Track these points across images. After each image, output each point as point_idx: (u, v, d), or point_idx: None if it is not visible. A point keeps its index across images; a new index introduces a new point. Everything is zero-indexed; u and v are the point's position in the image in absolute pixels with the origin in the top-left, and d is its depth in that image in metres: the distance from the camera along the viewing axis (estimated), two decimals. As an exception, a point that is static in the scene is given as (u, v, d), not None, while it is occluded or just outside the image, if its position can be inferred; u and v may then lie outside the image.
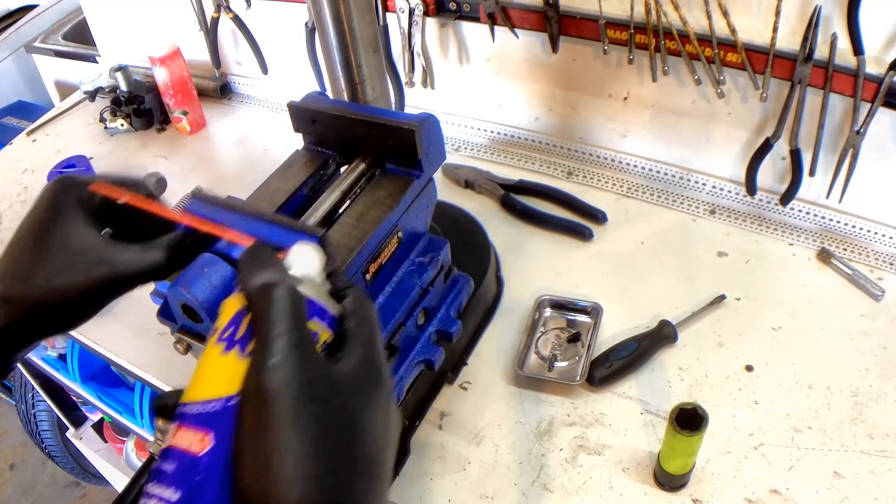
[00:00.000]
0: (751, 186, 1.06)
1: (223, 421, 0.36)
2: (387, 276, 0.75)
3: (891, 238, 1.01)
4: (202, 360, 0.39)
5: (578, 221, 1.11)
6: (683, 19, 0.95)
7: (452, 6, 1.14)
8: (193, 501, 0.35)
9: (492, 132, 1.30)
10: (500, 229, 1.11)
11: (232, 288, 0.58)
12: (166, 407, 0.41)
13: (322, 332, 0.40)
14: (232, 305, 0.40)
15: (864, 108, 0.90)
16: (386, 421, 0.39)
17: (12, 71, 2.24)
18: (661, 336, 0.92)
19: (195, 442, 0.36)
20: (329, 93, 0.86)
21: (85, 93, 1.59)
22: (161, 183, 0.68)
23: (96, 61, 1.73)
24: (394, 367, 0.73)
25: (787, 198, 1.04)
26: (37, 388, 1.72)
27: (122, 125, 1.48)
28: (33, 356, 1.56)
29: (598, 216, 1.11)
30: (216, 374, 0.38)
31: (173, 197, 1.36)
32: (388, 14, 1.19)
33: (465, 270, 0.86)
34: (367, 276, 0.70)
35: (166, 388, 0.99)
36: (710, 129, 1.08)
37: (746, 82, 0.98)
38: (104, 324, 1.08)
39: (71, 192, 0.54)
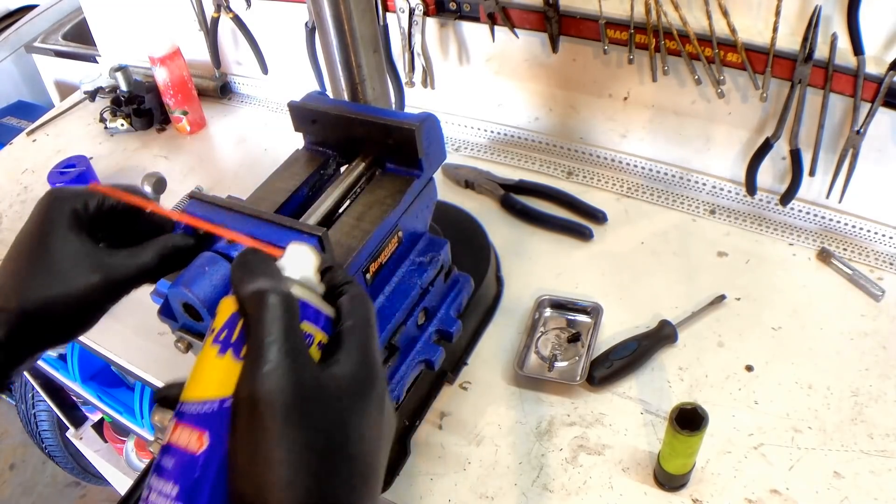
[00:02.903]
0: (751, 186, 1.06)
1: (218, 422, 0.37)
2: (387, 275, 0.75)
3: (891, 238, 1.01)
4: (199, 359, 0.40)
5: (578, 221, 1.11)
6: (683, 19, 0.95)
7: (452, 6, 1.14)
8: (191, 498, 0.35)
9: (492, 132, 1.30)
10: (500, 229, 1.12)
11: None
12: (168, 399, 0.41)
13: (316, 334, 0.40)
14: (228, 306, 0.40)
15: (864, 108, 0.90)
16: (379, 422, 0.40)
17: (12, 71, 2.24)
18: (661, 336, 0.92)
19: (192, 440, 0.37)
20: (329, 93, 0.86)
21: (85, 93, 1.59)
22: (161, 183, 0.69)
23: (96, 61, 1.73)
24: (394, 367, 0.73)
25: (787, 198, 1.04)
26: (37, 388, 1.72)
27: (122, 125, 1.48)
28: (33, 356, 1.56)
29: (598, 216, 1.11)
30: (212, 376, 0.38)
31: (173, 197, 1.37)
32: (388, 14, 1.19)
33: (465, 270, 0.86)
34: (368, 276, 0.70)
35: (166, 388, 0.99)
36: (710, 129, 1.08)
37: (746, 82, 0.98)
38: (104, 324, 1.08)
39: (63, 204, 0.55)
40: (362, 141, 0.76)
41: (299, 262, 0.42)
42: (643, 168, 1.18)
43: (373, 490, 0.39)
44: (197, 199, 0.66)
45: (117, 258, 0.55)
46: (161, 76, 1.38)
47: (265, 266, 0.40)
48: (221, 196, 0.79)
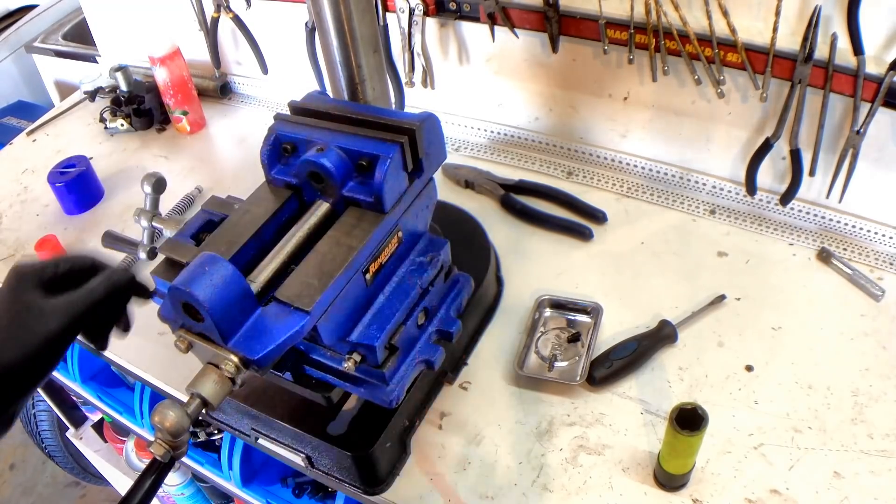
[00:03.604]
0: (751, 186, 1.06)
1: None
2: (387, 275, 0.75)
3: (891, 238, 1.01)
4: None
5: (578, 221, 1.11)
6: (683, 19, 0.95)
7: (452, 6, 1.14)
8: None
9: (492, 132, 1.30)
10: (500, 229, 1.11)
11: (232, 287, 0.58)
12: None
13: None
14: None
15: (864, 108, 0.90)
16: None
17: (12, 71, 2.23)
18: (661, 336, 0.92)
19: None
20: (329, 93, 0.86)
21: (85, 93, 1.59)
22: (161, 183, 0.70)
23: (96, 61, 1.73)
24: (394, 367, 0.73)
25: (787, 198, 1.04)
26: (37, 388, 1.71)
27: (122, 125, 1.48)
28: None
29: (598, 216, 1.11)
30: None
31: (173, 197, 1.36)
32: (388, 14, 1.19)
33: (465, 270, 0.86)
34: (368, 276, 0.70)
35: (166, 388, 0.99)
36: (710, 129, 1.08)
37: (746, 82, 0.98)
38: (104, 324, 1.08)
39: (26, 279, 0.58)
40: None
41: None
42: (643, 168, 1.18)
43: None
44: (282, 120, 0.76)
45: (52, 302, 0.57)
46: (161, 76, 1.38)
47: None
48: (221, 196, 0.79)
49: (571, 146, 1.23)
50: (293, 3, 1.30)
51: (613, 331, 0.95)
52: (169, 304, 0.60)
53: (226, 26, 1.41)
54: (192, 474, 1.52)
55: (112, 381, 1.44)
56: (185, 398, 0.58)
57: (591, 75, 1.12)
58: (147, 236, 0.91)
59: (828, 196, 1.01)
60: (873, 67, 0.87)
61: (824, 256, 1.01)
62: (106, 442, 1.79)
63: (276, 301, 0.63)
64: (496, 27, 1.13)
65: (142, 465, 1.68)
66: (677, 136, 1.12)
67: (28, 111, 2.05)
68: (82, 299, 0.58)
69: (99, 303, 0.59)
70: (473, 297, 0.89)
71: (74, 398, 1.75)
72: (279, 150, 0.75)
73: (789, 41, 0.91)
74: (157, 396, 1.14)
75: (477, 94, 1.26)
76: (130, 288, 0.63)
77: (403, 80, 1.26)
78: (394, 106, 1.09)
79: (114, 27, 1.61)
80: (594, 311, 0.96)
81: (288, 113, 0.79)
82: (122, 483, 1.78)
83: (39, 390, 1.71)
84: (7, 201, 1.35)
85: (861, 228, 1.03)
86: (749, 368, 0.89)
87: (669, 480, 0.78)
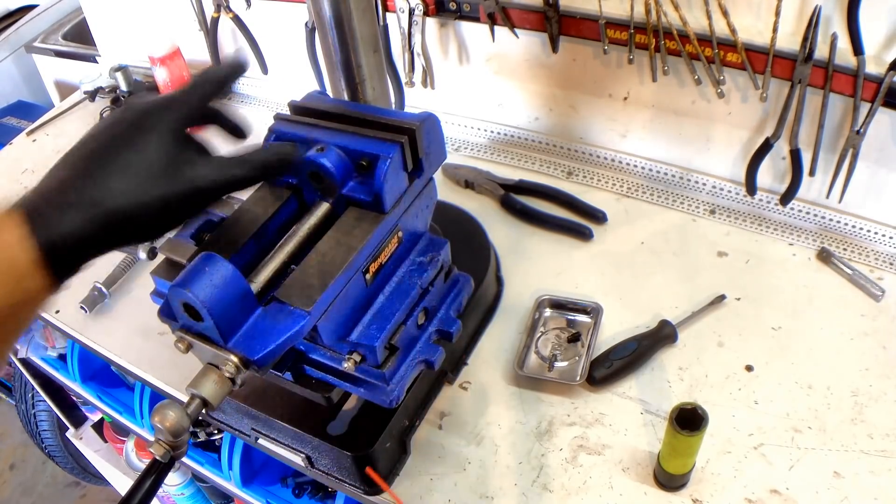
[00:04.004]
0: (751, 186, 1.06)
1: None
2: (387, 275, 0.75)
3: (891, 238, 1.01)
4: None
5: (578, 221, 1.11)
6: (683, 19, 0.95)
7: (452, 6, 1.14)
8: None
9: (492, 132, 1.30)
10: (500, 229, 1.12)
11: (232, 287, 0.58)
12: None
13: None
14: None
15: (864, 108, 0.90)
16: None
17: (12, 71, 2.23)
18: (661, 336, 0.92)
19: None
20: (329, 93, 0.86)
21: (85, 93, 1.59)
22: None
23: (96, 61, 1.73)
24: (394, 367, 0.73)
25: (787, 198, 1.04)
26: (37, 388, 1.71)
27: (122, 125, 1.48)
28: (33, 356, 1.56)
29: (598, 216, 1.11)
30: None
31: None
32: (388, 14, 1.19)
33: (465, 270, 0.86)
34: (368, 276, 0.70)
35: (166, 388, 0.99)
36: (710, 129, 1.08)
37: (746, 82, 0.98)
38: (104, 324, 1.08)
39: (160, 116, 0.58)
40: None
41: None
42: (643, 168, 1.18)
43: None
44: (282, 119, 0.76)
45: (206, 168, 0.58)
46: (161, 76, 1.38)
47: None
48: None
49: (571, 146, 1.23)
50: (293, 3, 1.30)
51: (613, 331, 0.95)
52: (169, 304, 0.60)
53: (226, 26, 1.41)
54: (192, 474, 1.52)
55: (112, 381, 1.44)
56: (185, 398, 0.58)
57: (591, 75, 1.12)
58: (147, 236, 0.91)
59: (828, 196, 1.01)
60: (873, 67, 0.87)
61: (824, 256, 1.01)
62: (106, 442, 1.79)
63: (276, 301, 0.63)
64: (496, 27, 1.13)
65: (142, 465, 1.68)
66: (677, 136, 1.12)
67: (28, 111, 2.05)
68: (217, 177, 0.58)
69: (235, 185, 0.60)
70: (473, 297, 0.89)
71: (74, 398, 1.75)
72: None
73: (789, 41, 0.91)
74: (157, 396, 1.14)
75: (477, 94, 1.26)
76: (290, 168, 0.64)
77: (403, 80, 1.26)
78: (394, 106, 1.09)
79: (114, 27, 1.61)
80: (594, 311, 0.96)
81: (288, 113, 0.79)
82: (122, 483, 1.78)
83: (40, 390, 1.72)
84: (7, 201, 1.35)
85: (861, 228, 1.03)
86: (749, 368, 0.89)
87: (669, 480, 0.78)
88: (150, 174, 0.54)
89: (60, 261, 0.51)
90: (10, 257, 0.49)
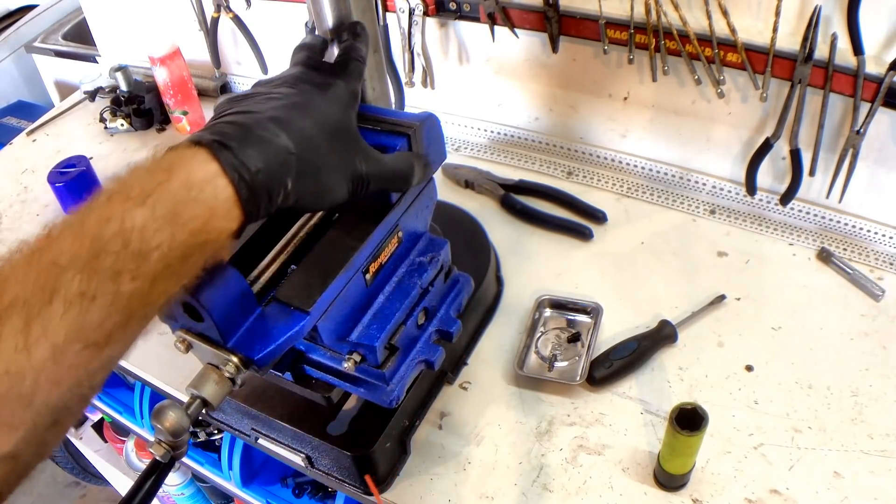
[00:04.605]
0: (751, 186, 1.06)
1: None
2: (387, 275, 0.75)
3: (891, 238, 1.01)
4: None
5: (578, 221, 1.11)
6: (683, 19, 0.95)
7: (452, 6, 1.14)
8: None
9: (492, 132, 1.30)
10: (500, 229, 1.12)
11: (232, 287, 0.58)
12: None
13: None
14: None
15: (864, 108, 0.90)
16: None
17: (12, 71, 2.23)
18: (661, 336, 0.92)
19: None
20: (329, 93, 0.85)
21: (85, 93, 1.59)
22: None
23: (96, 61, 1.73)
24: (394, 367, 0.73)
25: (787, 198, 1.04)
26: (37, 388, 1.71)
27: (122, 125, 1.48)
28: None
29: (598, 216, 1.11)
30: None
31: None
32: (388, 14, 1.19)
33: (465, 270, 0.86)
34: (368, 276, 0.70)
35: (166, 388, 0.99)
36: (710, 129, 1.08)
37: (746, 82, 0.98)
38: (104, 324, 1.08)
39: (343, 88, 0.61)
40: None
41: None
42: (643, 168, 1.18)
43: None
44: None
45: (382, 163, 0.61)
46: (161, 76, 1.38)
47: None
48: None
49: (571, 146, 1.23)
50: (293, 3, 1.30)
51: (613, 331, 0.95)
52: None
53: (226, 26, 1.41)
54: (192, 474, 1.52)
55: (112, 381, 1.44)
56: (185, 398, 0.58)
57: (591, 75, 1.12)
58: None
59: (828, 196, 1.01)
60: (873, 67, 0.87)
61: (824, 256, 1.01)
62: (106, 442, 1.79)
63: (276, 301, 0.63)
64: (496, 27, 1.13)
65: (142, 465, 1.68)
66: (677, 136, 1.12)
67: (28, 111, 2.05)
68: (393, 172, 0.62)
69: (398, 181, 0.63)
70: (473, 297, 0.89)
71: (74, 398, 1.75)
72: None
73: (789, 41, 0.91)
74: (157, 396, 1.14)
75: (477, 94, 1.26)
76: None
77: (403, 80, 1.26)
78: (394, 106, 1.09)
79: (114, 27, 1.61)
80: (594, 311, 0.96)
81: None
82: (122, 483, 1.78)
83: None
84: (7, 201, 1.35)
85: (861, 228, 1.03)
86: (749, 368, 0.89)
87: (669, 480, 0.78)
88: (336, 136, 0.56)
89: (252, 201, 0.49)
90: (206, 196, 0.47)
